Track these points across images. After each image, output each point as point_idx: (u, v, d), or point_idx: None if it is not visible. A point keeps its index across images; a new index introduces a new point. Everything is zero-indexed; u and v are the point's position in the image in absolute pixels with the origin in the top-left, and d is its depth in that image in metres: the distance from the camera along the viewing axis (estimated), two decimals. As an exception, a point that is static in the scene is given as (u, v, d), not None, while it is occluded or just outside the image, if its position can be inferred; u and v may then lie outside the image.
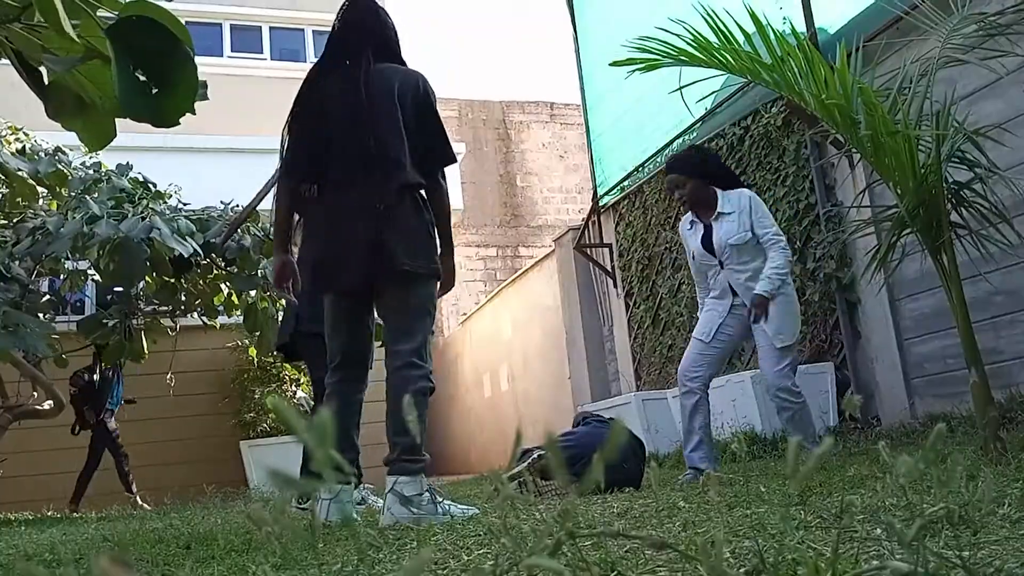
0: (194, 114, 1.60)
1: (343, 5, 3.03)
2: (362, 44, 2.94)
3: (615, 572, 1.15)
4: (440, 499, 2.74)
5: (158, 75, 1.48)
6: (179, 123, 1.57)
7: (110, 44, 1.41)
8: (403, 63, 3.06)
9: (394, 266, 2.78)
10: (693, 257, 3.87)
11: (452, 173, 9.92)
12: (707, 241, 3.78)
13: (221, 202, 6.16)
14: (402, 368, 2.84)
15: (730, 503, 2.10)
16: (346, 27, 3.00)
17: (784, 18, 4.92)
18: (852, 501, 1.79)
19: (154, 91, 1.50)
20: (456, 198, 10.12)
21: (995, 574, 1.00)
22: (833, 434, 4.52)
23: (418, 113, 2.92)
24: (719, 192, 3.75)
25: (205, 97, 1.64)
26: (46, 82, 1.75)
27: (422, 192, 2.93)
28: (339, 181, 2.89)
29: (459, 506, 2.77)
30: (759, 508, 1.91)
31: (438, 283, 2.98)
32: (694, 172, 3.79)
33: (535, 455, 3.49)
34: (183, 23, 1.51)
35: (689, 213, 3.89)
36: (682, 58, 2.89)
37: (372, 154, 2.83)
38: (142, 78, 1.47)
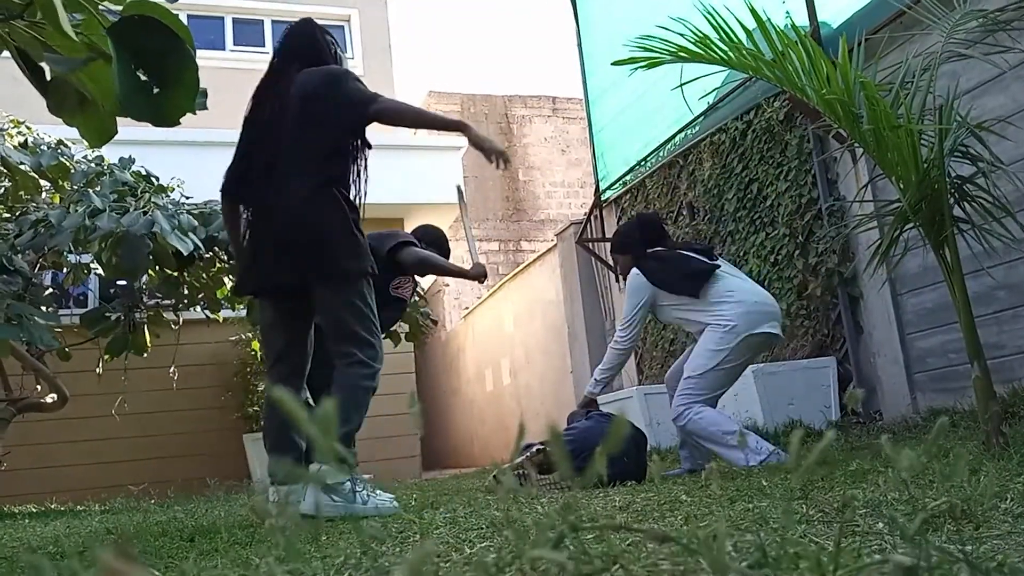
0: (195, 114, 1.60)
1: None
2: (286, 62, 3.03)
3: (617, 565, 1.15)
4: (362, 489, 2.73)
5: (159, 75, 1.48)
6: (180, 123, 1.57)
7: (112, 43, 1.41)
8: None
9: (308, 269, 2.83)
10: None
11: (453, 167, 9.93)
12: None
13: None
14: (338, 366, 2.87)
15: (732, 497, 2.10)
16: (276, 52, 3.13)
17: (786, 13, 4.90)
18: (854, 495, 1.79)
19: (155, 91, 1.50)
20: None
21: (997, 568, 1.00)
22: (835, 429, 4.52)
23: (326, 97, 2.92)
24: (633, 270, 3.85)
25: (204, 107, 1.64)
26: (48, 79, 1.76)
27: (338, 189, 2.90)
28: (254, 193, 2.94)
29: (383, 496, 2.79)
30: (761, 502, 1.91)
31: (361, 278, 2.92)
32: (619, 249, 4.03)
33: (534, 448, 3.50)
34: (184, 20, 1.52)
35: None
36: (683, 55, 2.89)
37: (276, 160, 2.85)
38: (143, 78, 1.47)
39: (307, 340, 3.03)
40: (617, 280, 7.79)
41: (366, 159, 3.04)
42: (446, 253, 4.31)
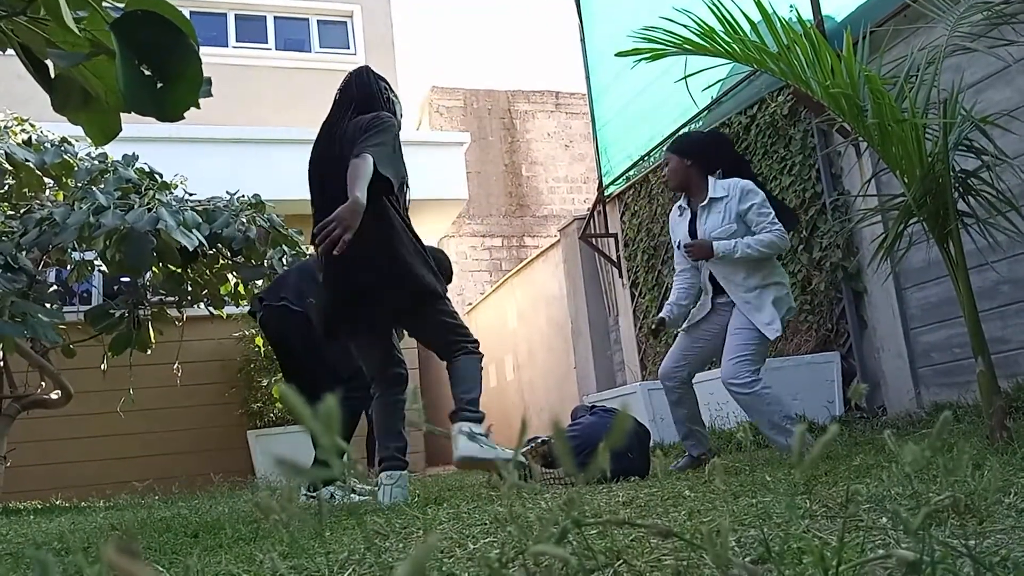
0: (199, 108, 1.60)
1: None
2: (342, 107, 3.27)
3: (621, 560, 1.15)
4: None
5: (162, 69, 1.48)
6: (183, 117, 1.57)
7: (114, 38, 1.41)
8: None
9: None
10: (678, 246, 3.69)
11: (457, 163, 9.95)
12: (692, 230, 3.62)
13: (227, 192, 6.16)
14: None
15: (735, 492, 2.10)
16: (336, 97, 3.36)
17: (791, 6, 4.89)
18: (858, 490, 1.79)
19: (158, 85, 1.50)
20: (461, 188, 10.08)
21: (1001, 563, 1.00)
22: (839, 423, 4.51)
23: (355, 142, 3.09)
24: (712, 179, 3.56)
25: (209, 93, 1.64)
26: (52, 75, 1.76)
27: (382, 212, 3.05)
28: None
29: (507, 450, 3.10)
30: (764, 497, 1.91)
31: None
32: (685, 152, 3.62)
33: (539, 440, 3.51)
34: (187, 15, 1.52)
35: (681, 198, 3.73)
36: (687, 47, 2.88)
37: (335, 196, 2.94)
38: (146, 72, 1.47)
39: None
40: (621, 276, 7.79)
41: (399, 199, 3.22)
42: (448, 275, 4.25)
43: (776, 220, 3.44)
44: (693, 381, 3.70)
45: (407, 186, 3.28)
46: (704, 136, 3.92)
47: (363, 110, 3.24)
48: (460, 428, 2.98)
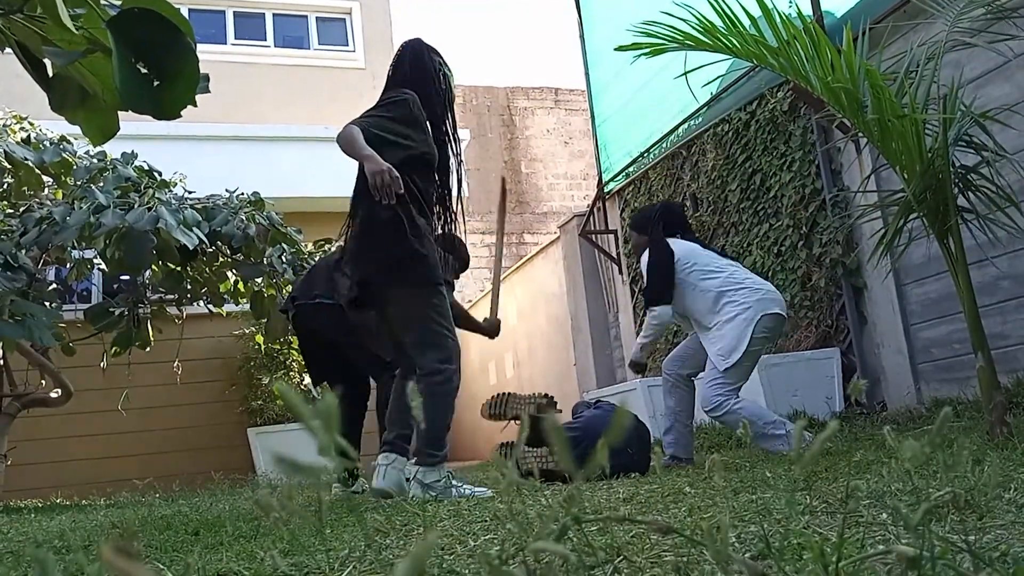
0: (195, 106, 1.59)
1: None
2: (395, 84, 3.27)
3: (621, 556, 1.15)
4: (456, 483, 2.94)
5: (159, 67, 1.48)
6: (180, 116, 1.56)
7: (111, 36, 1.40)
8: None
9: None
10: None
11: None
12: None
13: (226, 190, 6.16)
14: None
15: (736, 488, 2.10)
16: (388, 74, 3.38)
17: (790, 2, 4.88)
18: (858, 486, 1.79)
19: (155, 83, 1.49)
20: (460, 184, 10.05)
21: (1001, 558, 1.00)
22: (839, 419, 4.52)
23: None
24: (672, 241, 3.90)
25: (207, 90, 1.63)
26: (50, 74, 1.75)
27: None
28: None
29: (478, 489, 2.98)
30: (764, 493, 1.91)
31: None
32: (639, 227, 4.05)
33: (541, 397, 3.57)
34: (186, 12, 1.51)
35: None
36: (687, 42, 2.88)
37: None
38: (143, 70, 1.47)
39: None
40: (620, 272, 7.79)
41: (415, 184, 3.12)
42: (465, 262, 4.23)
43: (648, 297, 3.82)
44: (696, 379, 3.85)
45: (435, 164, 3.19)
46: (653, 208, 4.19)
47: (417, 87, 3.18)
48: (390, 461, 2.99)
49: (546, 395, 3.77)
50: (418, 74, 3.24)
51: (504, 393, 3.73)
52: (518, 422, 3.63)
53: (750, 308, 3.61)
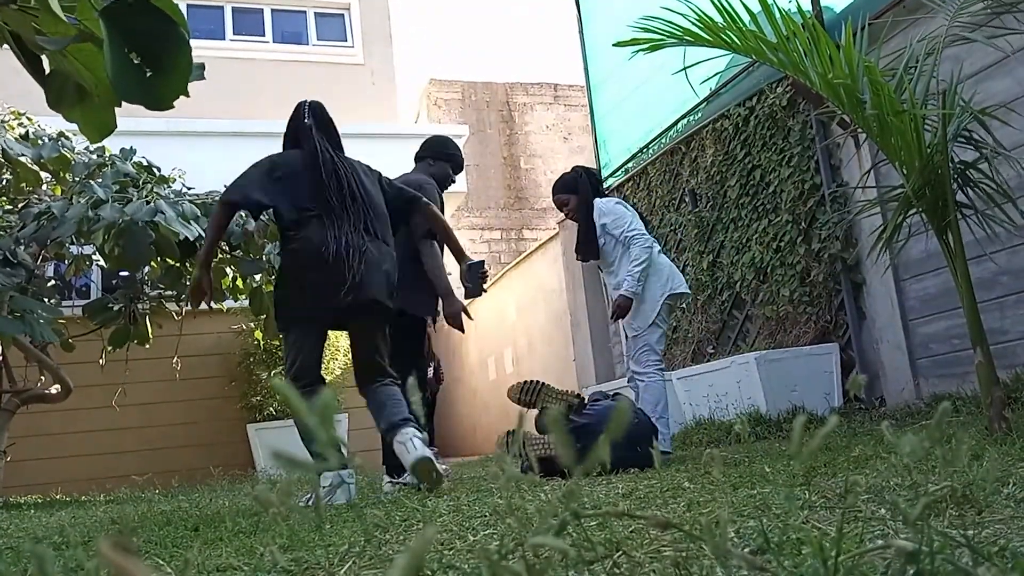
0: (188, 96, 1.58)
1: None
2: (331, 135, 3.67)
3: (620, 551, 1.16)
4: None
5: (152, 57, 1.47)
6: (173, 106, 1.55)
7: (103, 26, 1.39)
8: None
9: None
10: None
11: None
12: None
13: (225, 185, 6.13)
14: None
15: (735, 483, 2.10)
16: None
17: (789, -3, 4.88)
18: (856, 481, 1.79)
19: (148, 74, 1.49)
20: (460, 181, 10.05)
21: (999, 553, 1.00)
22: (838, 415, 4.52)
23: None
24: (596, 203, 4.16)
25: (201, 77, 1.62)
26: (47, 72, 1.75)
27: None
28: None
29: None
30: (764, 488, 1.92)
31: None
32: (571, 190, 4.22)
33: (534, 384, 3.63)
34: (184, 9, 1.51)
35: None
36: (686, 38, 2.87)
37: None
38: (136, 61, 1.46)
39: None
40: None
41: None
42: (459, 164, 4.29)
43: (633, 227, 4.06)
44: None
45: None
46: (576, 171, 4.41)
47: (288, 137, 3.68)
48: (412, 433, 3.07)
49: (579, 395, 3.69)
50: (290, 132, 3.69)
51: (538, 381, 3.68)
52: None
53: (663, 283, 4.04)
